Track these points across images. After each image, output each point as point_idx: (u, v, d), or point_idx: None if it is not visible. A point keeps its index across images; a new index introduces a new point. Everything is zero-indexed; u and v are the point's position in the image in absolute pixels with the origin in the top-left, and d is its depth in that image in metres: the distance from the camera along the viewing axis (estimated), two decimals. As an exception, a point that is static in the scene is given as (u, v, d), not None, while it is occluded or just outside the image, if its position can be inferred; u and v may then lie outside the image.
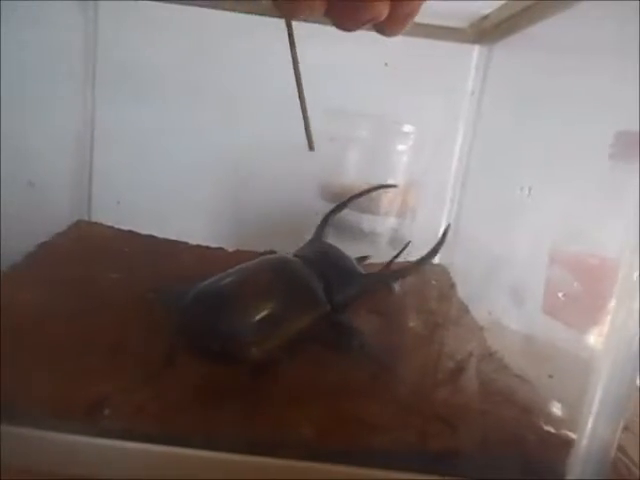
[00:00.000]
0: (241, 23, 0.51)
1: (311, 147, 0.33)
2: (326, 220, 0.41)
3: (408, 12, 0.26)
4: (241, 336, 0.31)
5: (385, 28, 0.27)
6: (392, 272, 0.40)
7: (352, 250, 0.60)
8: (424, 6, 0.36)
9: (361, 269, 0.39)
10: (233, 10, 0.50)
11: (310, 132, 0.32)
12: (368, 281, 0.38)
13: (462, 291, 0.50)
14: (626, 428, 0.31)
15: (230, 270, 0.35)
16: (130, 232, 0.52)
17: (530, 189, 0.42)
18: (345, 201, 0.42)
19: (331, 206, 0.63)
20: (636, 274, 0.24)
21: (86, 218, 0.56)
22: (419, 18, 0.49)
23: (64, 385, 0.28)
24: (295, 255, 0.38)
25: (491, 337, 0.41)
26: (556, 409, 0.31)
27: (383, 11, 0.25)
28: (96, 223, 0.55)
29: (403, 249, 0.42)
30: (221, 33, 0.54)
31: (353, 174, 0.63)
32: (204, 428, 0.26)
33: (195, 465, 0.26)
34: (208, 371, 0.30)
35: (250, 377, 0.30)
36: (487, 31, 0.50)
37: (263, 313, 0.32)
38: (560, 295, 0.41)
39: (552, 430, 0.29)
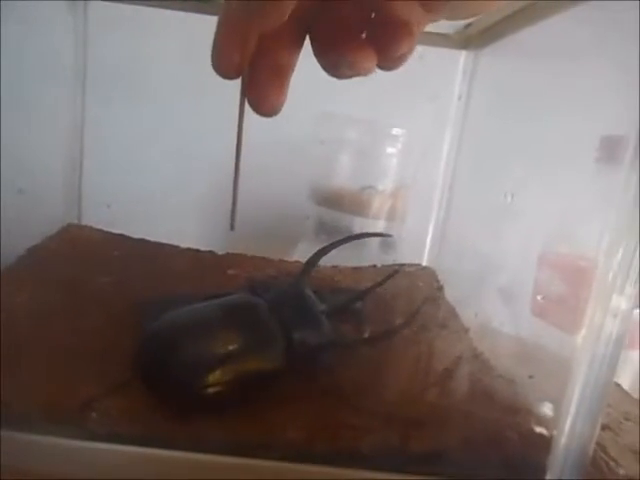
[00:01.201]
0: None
1: (232, 227, 0.29)
2: (308, 268, 0.39)
3: (402, 54, 0.24)
4: (190, 376, 0.30)
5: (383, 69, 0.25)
6: (356, 338, 0.39)
7: (342, 252, 0.61)
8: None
9: (328, 328, 0.35)
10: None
11: (236, 208, 0.29)
12: (329, 339, 0.35)
13: (449, 293, 0.50)
14: (607, 427, 0.32)
15: (193, 306, 0.34)
16: (120, 235, 0.53)
17: (513, 195, 0.43)
18: (325, 248, 0.41)
19: (321, 209, 0.64)
20: (611, 274, 0.25)
21: (76, 221, 0.56)
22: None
23: (54, 388, 0.28)
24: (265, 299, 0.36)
25: (477, 339, 0.42)
26: (540, 409, 0.32)
27: (370, 67, 0.24)
28: (86, 226, 0.55)
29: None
30: (210, 36, 0.54)
31: (343, 177, 0.63)
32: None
33: (182, 467, 0.26)
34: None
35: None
36: (473, 37, 0.50)
37: (214, 354, 0.31)
38: (549, 297, 0.41)
39: (533, 429, 0.29)
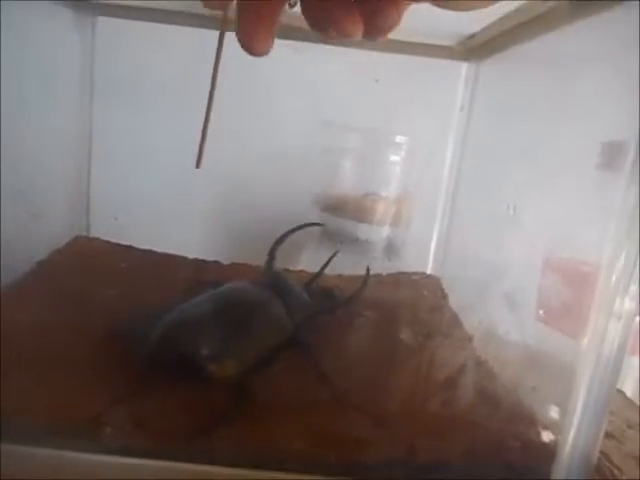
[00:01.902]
0: (235, 41, 0.52)
1: (198, 165, 0.31)
2: (273, 253, 0.44)
3: (388, 26, 0.25)
4: (213, 354, 0.32)
5: (367, 38, 0.26)
6: (332, 302, 0.44)
7: (347, 258, 0.62)
8: (414, 26, 0.38)
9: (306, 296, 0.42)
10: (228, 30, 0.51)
11: (203, 147, 0.31)
12: (314, 308, 0.41)
13: (453, 301, 0.51)
14: (610, 435, 0.32)
15: (198, 298, 0.37)
16: (128, 247, 0.53)
17: (515, 207, 0.43)
18: (286, 233, 0.45)
19: (326, 216, 0.65)
20: (614, 277, 0.25)
21: (85, 234, 0.57)
22: (409, 37, 0.50)
23: (62, 400, 0.29)
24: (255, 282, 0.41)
25: (481, 347, 0.42)
26: (543, 417, 0.32)
27: (355, 32, 0.24)
28: (95, 238, 0.55)
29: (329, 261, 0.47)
30: (214, 48, 0.55)
31: (347, 184, 0.64)
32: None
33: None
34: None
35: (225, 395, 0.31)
36: (474, 49, 0.51)
37: (233, 332, 0.34)
38: (552, 303, 0.41)
39: (537, 438, 0.29)
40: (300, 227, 0.46)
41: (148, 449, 0.27)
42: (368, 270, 0.45)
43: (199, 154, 0.32)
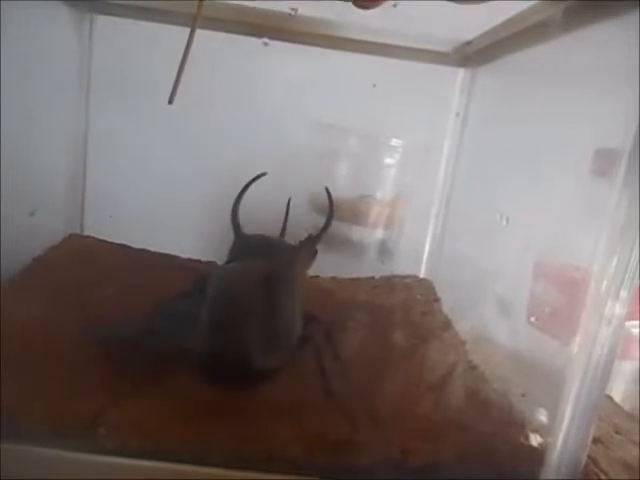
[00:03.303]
0: (232, 42, 0.53)
1: (171, 100, 0.33)
2: (235, 212, 0.43)
3: None
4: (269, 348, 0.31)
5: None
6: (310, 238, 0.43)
7: (341, 261, 0.62)
8: (412, 31, 0.38)
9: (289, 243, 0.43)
10: (225, 31, 0.52)
11: (177, 85, 0.32)
12: (301, 250, 0.42)
13: (446, 305, 0.51)
14: (598, 441, 0.33)
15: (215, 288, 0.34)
16: (123, 246, 0.53)
17: (508, 218, 0.44)
18: (242, 190, 0.45)
19: (321, 218, 0.65)
20: (606, 284, 0.26)
21: (79, 232, 0.57)
22: (407, 43, 0.51)
23: (57, 400, 0.29)
24: (235, 255, 0.40)
25: (473, 351, 0.42)
26: (532, 422, 0.33)
27: None
28: (89, 237, 0.55)
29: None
30: (212, 52, 0.55)
31: (342, 186, 0.64)
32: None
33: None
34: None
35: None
36: (471, 56, 0.52)
37: (281, 322, 0.33)
38: (543, 307, 0.42)
39: (526, 442, 0.30)
40: (253, 180, 0.46)
41: (148, 450, 0.27)
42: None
43: (173, 91, 0.33)
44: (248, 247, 0.40)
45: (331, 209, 0.44)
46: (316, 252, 0.45)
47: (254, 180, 0.45)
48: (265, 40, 0.50)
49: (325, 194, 0.64)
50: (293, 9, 0.48)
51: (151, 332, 0.35)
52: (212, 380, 0.31)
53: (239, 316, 0.32)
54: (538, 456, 0.27)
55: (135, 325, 0.35)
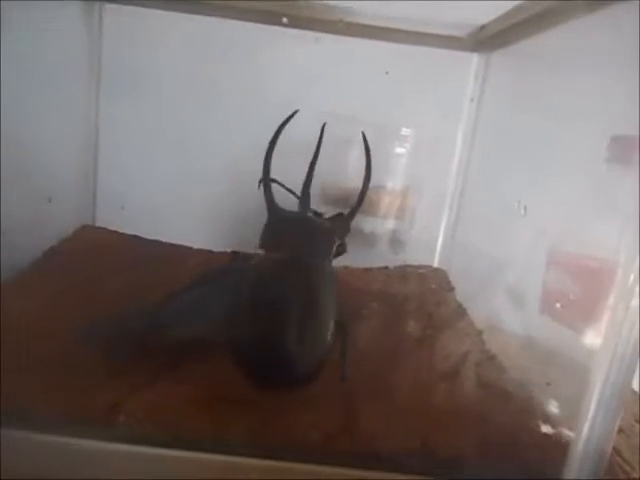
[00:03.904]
0: (242, 30, 0.52)
1: None
2: (267, 181, 0.37)
3: None
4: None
5: None
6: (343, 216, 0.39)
7: (354, 251, 0.61)
8: (425, 16, 0.37)
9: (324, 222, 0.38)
10: (235, 18, 0.51)
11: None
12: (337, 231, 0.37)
13: (461, 295, 0.51)
14: (621, 430, 0.32)
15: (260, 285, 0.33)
16: (134, 237, 0.53)
17: (525, 207, 0.43)
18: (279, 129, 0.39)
19: (333, 209, 0.65)
20: (633, 276, 0.25)
21: (91, 223, 0.57)
22: (420, 28, 0.50)
23: (67, 390, 0.29)
24: (271, 240, 0.35)
25: (490, 340, 0.42)
26: (554, 410, 0.32)
27: None
28: (101, 228, 0.55)
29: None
30: (223, 40, 0.55)
31: (353, 176, 0.63)
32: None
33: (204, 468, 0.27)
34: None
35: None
36: (485, 41, 0.51)
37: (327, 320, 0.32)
38: (558, 297, 0.41)
39: (550, 433, 0.29)
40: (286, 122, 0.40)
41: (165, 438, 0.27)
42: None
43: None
44: (285, 230, 0.35)
45: (368, 163, 0.40)
46: (349, 230, 0.39)
47: (286, 122, 0.40)
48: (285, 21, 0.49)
49: (336, 185, 0.63)
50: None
51: (158, 324, 0.34)
52: (257, 382, 0.30)
53: (290, 318, 0.31)
54: (561, 447, 0.27)
55: (142, 317, 0.34)
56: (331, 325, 0.32)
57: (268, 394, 0.30)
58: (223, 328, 0.31)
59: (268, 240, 0.35)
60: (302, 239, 0.35)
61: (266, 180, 0.36)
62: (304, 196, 0.39)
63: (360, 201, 0.38)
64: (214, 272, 0.41)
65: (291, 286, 0.32)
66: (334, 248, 0.36)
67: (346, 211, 0.39)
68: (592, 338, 0.31)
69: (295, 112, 0.39)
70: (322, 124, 0.42)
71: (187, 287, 0.36)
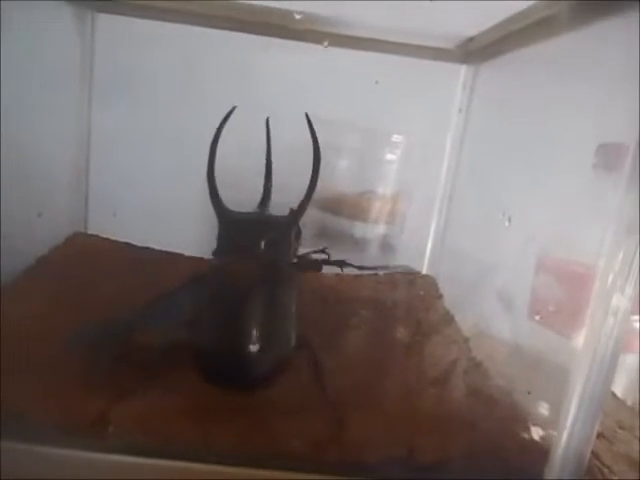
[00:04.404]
0: (230, 38, 0.53)
1: None
2: (212, 182, 0.37)
3: None
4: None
5: None
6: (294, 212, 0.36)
7: (343, 256, 0.62)
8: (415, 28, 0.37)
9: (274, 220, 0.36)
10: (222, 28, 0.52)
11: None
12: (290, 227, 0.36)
13: (449, 301, 0.51)
14: (602, 436, 0.33)
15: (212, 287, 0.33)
16: (126, 244, 0.54)
17: (510, 218, 0.44)
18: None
19: (321, 214, 0.65)
20: (611, 279, 0.26)
21: (83, 230, 0.57)
22: (409, 40, 0.51)
23: (63, 399, 0.29)
24: (224, 242, 0.35)
25: (477, 347, 0.43)
26: (537, 416, 0.33)
27: None
28: (93, 235, 0.56)
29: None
30: (215, 47, 0.55)
31: (343, 182, 0.64)
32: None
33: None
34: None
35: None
36: (473, 52, 0.52)
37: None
38: (546, 302, 0.42)
39: (531, 439, 0.30)
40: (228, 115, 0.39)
41: (152, 448, 0.27)
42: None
43: None
44: (236, 231, 0.35)
45: (317, 155, 0.37)
46: (300, 230, 0.38)
47: (225, 121, 0.39)
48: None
49: (327, 190, 0.64)
50: (298, 14, 0.48)
51: (142, 328, 0.34)
52: (214, 381, 0.31)
53: (241, 317, 0.31)
54: (543, 453, 0.28)
55: (126, 322, 0.34)
56: (286, 328, 0.32)
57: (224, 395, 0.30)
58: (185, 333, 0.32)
59: (219, 245, 0.35)
60: (251, 240, 0.34)
61: (211, 184, 0.37)
62: (265, 194, 0.39)
63: (308, 195, 0.35)
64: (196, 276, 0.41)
65: (237, 290, 0.32)
66: (289, 247, 0.35)
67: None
68: (578, 343, 0.31)
69: (233, 109, 0.38)
70: (266, 118, 0.41)
71: (170, 292, 0.36)
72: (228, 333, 0.31)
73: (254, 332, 0.30)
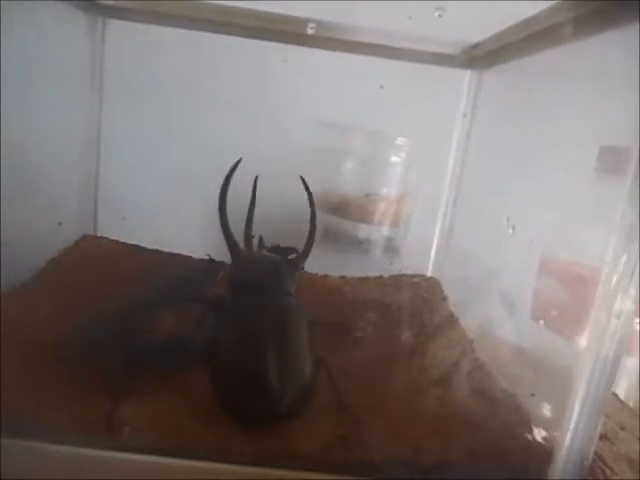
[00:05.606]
0: (237, 43, 0.53)
1: None
2: (225, 224, 0.38)
3: None
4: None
5: None
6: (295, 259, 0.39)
7: (347, 258, 0.62)
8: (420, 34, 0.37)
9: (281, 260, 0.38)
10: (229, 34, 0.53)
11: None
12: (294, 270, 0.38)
13: (454, 304, 0.52)
14: (604, 437, 0.34)
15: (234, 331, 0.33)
16: (136, 246, 0.54)
17: (514, 225, 0.44)
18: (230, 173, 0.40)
19: (327, 216, 0.66)
20: (615, 282, 0.26)
21: (92, 233, 0.58)
22: (414, 45, 0.51)
23: (73, 399, 0.30)
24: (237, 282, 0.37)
25: (481, 349, 0.43)
26: (540, 417, 0.33)
27: None
28: (103, 238, 0.56)
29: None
30: (221, 51, 0.56)
31: (348, 185, 0.65)
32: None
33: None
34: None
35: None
36: (477, 58, 0.52)
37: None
38: (549, 304, 0.42)
39: (535, 440, 0.31)
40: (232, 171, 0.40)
41: (164, 447, 0.28)
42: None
43: None
44: (248, 271, 0.37)
45: (313, 224, 0.39)
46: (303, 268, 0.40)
47: (232, 172, 0.40)
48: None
49: (332, 193, 0.64)
50: (311, 27, 0.49)
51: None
52: (241, 422, 0.30)
53: (267, 360, 0.31)
54: (546, 453, 0.28)
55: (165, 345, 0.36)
56: (308, 359, 0.33)
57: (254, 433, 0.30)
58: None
59: (233, 282, 0.37)
60: (265, 280, 0.36)
61: (224, 224, 0.38)
62: (247, 237, 0.42)
63: (309, 244, 0.38)
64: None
65: (261, 328, 0.33)
66: (294, 285, 0.37)
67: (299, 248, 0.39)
68: (581, 345, 0.32)
69: (239, 161, 0.40)
70: (254, 178, 0.44)
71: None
72: (254, 375, 0.31)
73: (278, 371, 0.31)
